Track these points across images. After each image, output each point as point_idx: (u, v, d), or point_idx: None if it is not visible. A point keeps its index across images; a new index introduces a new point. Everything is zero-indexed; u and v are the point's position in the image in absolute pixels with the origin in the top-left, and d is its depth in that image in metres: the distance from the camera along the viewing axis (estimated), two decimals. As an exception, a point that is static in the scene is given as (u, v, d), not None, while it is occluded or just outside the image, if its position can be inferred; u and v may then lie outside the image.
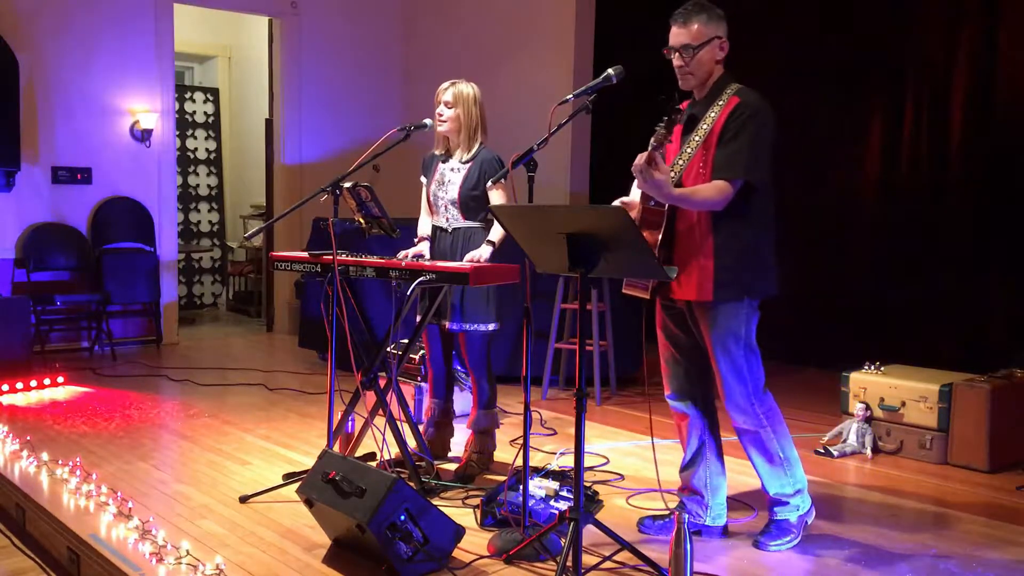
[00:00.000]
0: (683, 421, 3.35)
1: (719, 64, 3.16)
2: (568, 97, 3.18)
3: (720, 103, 3.11)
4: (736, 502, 3.70)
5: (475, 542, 3.22)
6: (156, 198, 7.55)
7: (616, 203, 3.20)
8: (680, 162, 3.12)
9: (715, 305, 3.12)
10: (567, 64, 7.38)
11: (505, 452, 4.30)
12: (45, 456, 4.10)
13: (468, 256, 3.85)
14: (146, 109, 7.41)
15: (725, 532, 3.39)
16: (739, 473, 4.11)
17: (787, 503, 3.29)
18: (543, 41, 7.57)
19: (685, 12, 3.13)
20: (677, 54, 3.14)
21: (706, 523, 3.37)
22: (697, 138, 3.11)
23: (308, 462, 3.81)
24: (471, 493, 3.77)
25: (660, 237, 3.11)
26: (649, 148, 2.91)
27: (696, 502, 3.37)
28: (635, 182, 3.19)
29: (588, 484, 3.82)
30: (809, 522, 3.34)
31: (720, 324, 3.13)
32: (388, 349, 3.94)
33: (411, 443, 3.97)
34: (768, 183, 3.12)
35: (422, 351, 4.62)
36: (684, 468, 3.40)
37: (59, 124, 7.08)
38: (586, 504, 3.38)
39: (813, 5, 6.69)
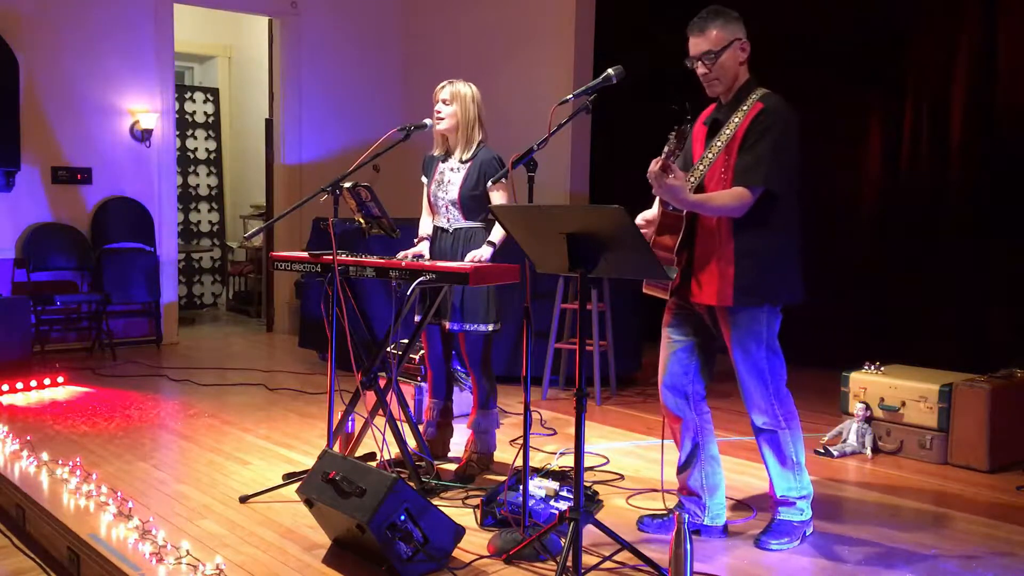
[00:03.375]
0: (676, 424, 3.36)
1: (743, 66, 3.17)
2: (568, 97, 3.18)
3: (744, 108, 3.11)
4: (736, 502, 3.70)
5: (475, 542, 3.22)
6: (156, 198, 7.55)
7: (639, 219, 3.21)
8: (701, 167, 3.13)
9: (737, 310, 3.13)
10: (567, 64, 7.38)
11: (505, 452, 4.30)
12: (45, 456, 4.10)
13: (469, 256, 3.85)
14: (146, 109, 7.41)
15: (725, 531, 3.39)
16: (739, 473, 4.12)
17: (793, 504, 3.30)
18: (543, 41, 7.57)
19: (701, 20, 3.14)
20: (700, 63, 3.14)
21: (705, 523, 3.37)
22: (719, 143, 3.11)
23: (308, 462, 3.81)
24: (471, 493, 3.77)
25: (679, 241, 3.11)
26: (662, 156, 2.91)
27: (694, 503, 3.38)
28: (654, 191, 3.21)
29: (588, 484, 3.82)
30: (808, 532, 3.35)
31: (741, 327, 3.15)
32: (388, 349, 3.94)
33: (411, 443, 3.97)
34: (791, 190, 3.12)
35: (422, 351, 4.62)
36: (680, 470, 3.41)
37: (59, 124, 7.07)
38: (586, 504, 3.38)
39: (813, 7, 6.69)
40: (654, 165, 2.93)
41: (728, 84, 3.16)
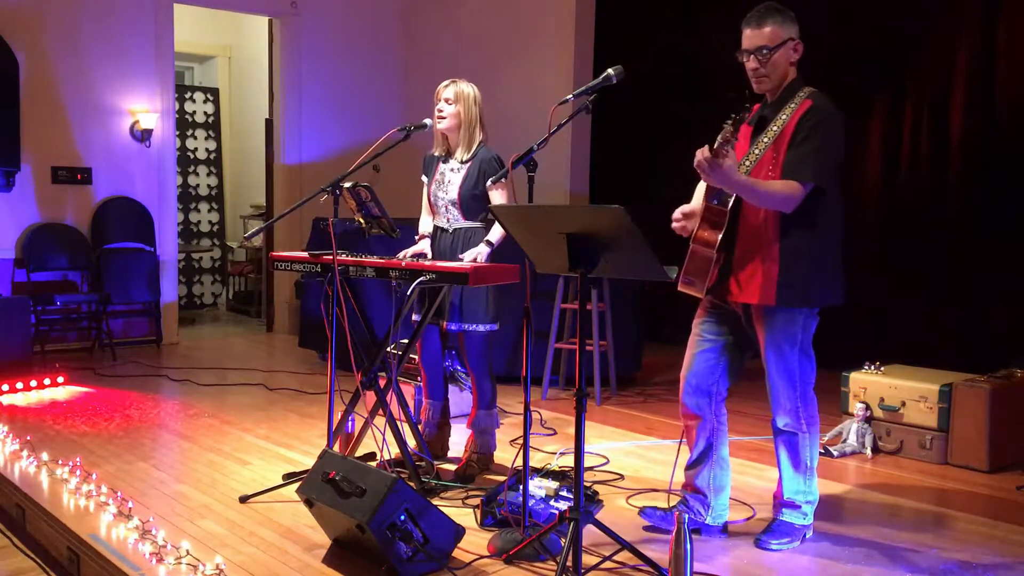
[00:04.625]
0: (693, 422, 3.34)
1: (793, 66, 3.15)
2: (568, 97, 3.17)
3: (792, 105, 3.10)
4: (736, 502, 3.70)
5: (475, 542, 3.22)
6: (156, 198, 7.55)
7: (678, 212, 3.20)
8: (747, 162, 3.11)
9: (776, 310, 3.11)
10: (567, 64, 7.38)
11: (505, 452, 4.30)
12: (45, 456, 4.10)
13: (467, 256, 3.84)
14: (146, 109, 7.41)
15: (724, 531, 3.39)
16: (740, 473, 4.11)
17: (799, 508, 3.30)
18: (543, 41, 7.57)
19: (759, 14, 3.11)
20: (752, 57, 3.11)
21: (706, 522, 3.37)
22: (767, 139, 3.10)
23: (308, 462, 3.81)
24: (471, 493, 3.77)
25: (720, 237, 3.09)
26: (716, 144, 2.89)
27: (699, 501, 3.38)
28: (697, 188, 3.19)
29: (588, 484, 3.82)
30: (807, 535, 3.35)
31: (778, 328, 3.13)
32: (388, 349, 3.93)
33: (411, 443, 3.97)
34: (838, 190, 3.11)
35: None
36: (689, 467, 3.40)
37: (59, 124, 7.07)
38: (586, 504, 3.38)
39: (813, 7, 6.68)
40: (701, 154, 2.91)
41: (777, 82, 3.15)
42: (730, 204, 3.09)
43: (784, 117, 3.09)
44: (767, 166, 3.08)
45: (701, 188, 3.30)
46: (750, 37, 3.12)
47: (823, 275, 3.15)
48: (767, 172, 3.08)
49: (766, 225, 3.10)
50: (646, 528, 3.43)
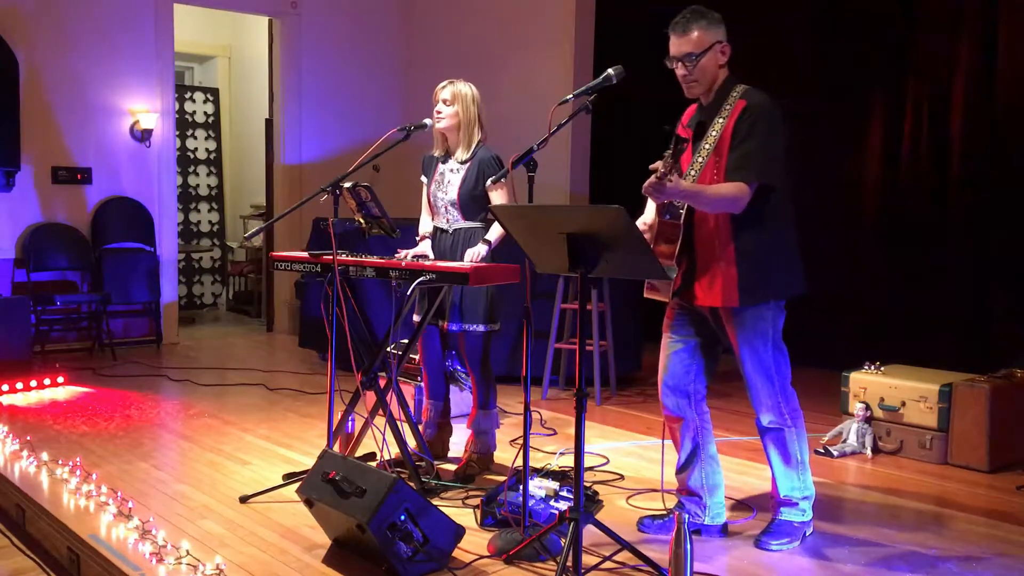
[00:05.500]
0: (676, 424, 3.35)
1: (723, 68, 3.16)
2: (568, 97, 3.18)
3: (728, 107, 3.10)
4: (736, 502, 3.70)
5: (475, 542, 3.22)
6: (156, 198, 7.55)
7: (642, 224, 3.22)
8: (693, 171, 3.12)
9: (743, 309, 3.13)
10: (567, 64, 7.38)
11: (505, 452, 4.30)
12: (45, 456, 4.10)
13: (467, 255, 3.84)
14: (146, 109, 7.41)
15: (724, 531, 3.39)
16: (740, 473, 4.12)
17: (795, 504, 3.30)
18: (543, 41, 7.58)
19: (684, 21, 3.12)
20: (680, 64, 3.12)
21: (705, 523, 3.37)
22: (707, 146, 3.11)
23: (308, 462, 3.81)
24: (471, 493, 3.77)
25: (677, 249, 3.12)
26: (658, 176, 2.89)
27: (694, 503, 3.38)
28: (648, 200, 3.21)
29: (588, 484, 3.82)
30: (808, 533, 3.35)
31: (748, 327, 3.15)
32: (388, 349, 3.93)
33: (411, 443, 3.97)
34: (784, 183, 3.12)
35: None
36: (680, 471, 3.41)
37: (59, 124, 7.07)
38: (586, 504, 3.38)
39: (813, 7, 6.69)
40: (648, 185, 2.92)
41: (707, 86, 3.15)
42: (682, 218, 3.12)
43: (721, 121, 3.10)
44: (711, 171, 3.10)
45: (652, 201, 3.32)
46: (676, 44, 3.12)
47: (780, 269, 3.17)
48: (712, 177, 3.10)
49: (719, 230, 3.12)
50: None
